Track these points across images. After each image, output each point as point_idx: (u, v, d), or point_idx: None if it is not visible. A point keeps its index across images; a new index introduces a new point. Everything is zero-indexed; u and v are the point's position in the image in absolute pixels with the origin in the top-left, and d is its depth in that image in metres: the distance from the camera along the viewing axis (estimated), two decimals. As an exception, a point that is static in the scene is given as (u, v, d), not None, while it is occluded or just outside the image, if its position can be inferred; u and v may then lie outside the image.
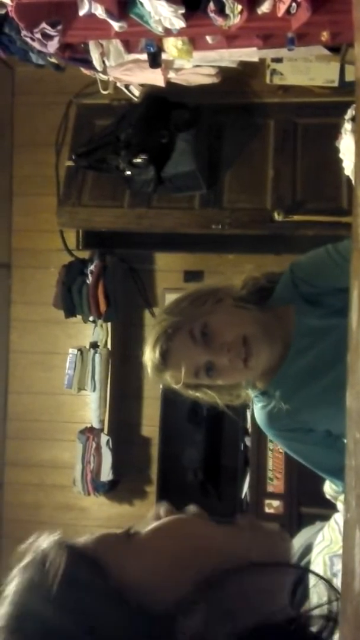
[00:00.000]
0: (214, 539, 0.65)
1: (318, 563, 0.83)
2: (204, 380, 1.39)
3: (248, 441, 3.55)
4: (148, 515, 0.70)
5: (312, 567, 0.85)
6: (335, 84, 3.35)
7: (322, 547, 0.85)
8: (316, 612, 0.59)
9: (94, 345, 3.86)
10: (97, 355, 3.81)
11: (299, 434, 1.47)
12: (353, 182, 0.67)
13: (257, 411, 1.50)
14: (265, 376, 1.46)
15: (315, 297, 1.45)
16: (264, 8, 2.03)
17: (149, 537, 0.65)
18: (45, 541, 0.66)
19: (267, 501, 3.49)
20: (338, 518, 1.01)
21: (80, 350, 3.86)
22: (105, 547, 0.64)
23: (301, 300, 1.46)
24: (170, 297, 3.80)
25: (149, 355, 1.41)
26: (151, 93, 3.46)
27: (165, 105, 3.51)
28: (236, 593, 0.57)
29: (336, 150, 2.91)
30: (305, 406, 1.44)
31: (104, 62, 2.62)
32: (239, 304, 1.42)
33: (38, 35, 2.16)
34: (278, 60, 3.36)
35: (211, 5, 2.01)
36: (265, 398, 1.48)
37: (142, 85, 3.38)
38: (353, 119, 2.63)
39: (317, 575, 0.71)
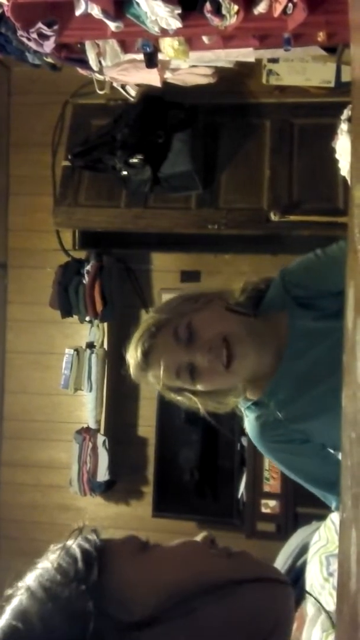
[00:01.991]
0: (213, 571, 0.66)
1: (314, 563, 0.83)
2: (186, 383, 1.33)
3: (244, 441, 3.55)
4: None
5: (309, 567, 0.85)
6: (332, 85, 3.36)
7: (319, 546, 0.85)
8: None
9: (91, 346, 3.85)
10: (93, 356, 3.81)
11: (294, 445, 1.40)
12: (349, 182, 0.67)
13: (250, 422, 1.43)
14: (257, 385, 1.40)
15: (308, 301, 1.41)
16: (260, 8, 2.03)
17: (158, 554, 0.70)
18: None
19: (263, 501, 3.49)
20: (334, 517, 1.01)
21: (76, 350, 3.85)
22: (121, 548, 0.70)
23: (294, 305, 1.41)
24: (166, 297, 3.79)
25: (132, 354, 1.36)
26: (147, 93, 3.46)
27: (162, 106, 3.51)
28: (211, 613, 0.60)
29: (332, 151, 2.91)
30: (303, 414, 1.37)
31: (100, 62, 2.62)
32: (230, 307, 1.36)
33: (34, 35, 2.16)
34: (274, 60, 3.37)
35: (207, 6, 2.01)
36: (258, 408, 1.41)
37: (138, 85, 3.38)
38: (349, 120, 2.64)
39: (308, 593, 0.73)
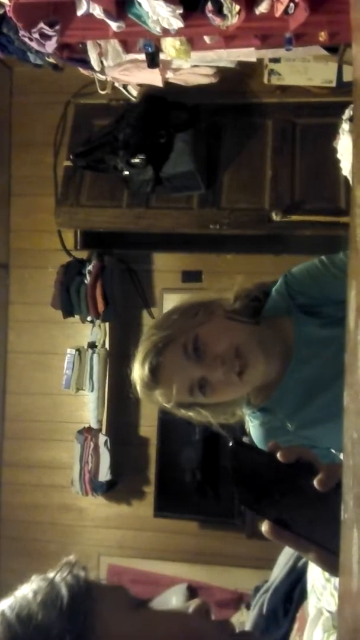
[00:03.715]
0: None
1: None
2: (198, 398, 1.30)
3: (246, 441, 3.55)
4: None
5: (310, 568, 0.85)
6: (333, 84, 3.35)
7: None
8: None
9: (92, 346, 3.86)
10: (95, 356, 3.81)
11: None
12: (351, 182, 0.67)
13: (255, 428, 1.43)
14: (263, 392, 1.39)
15: (313, 308, 1.40)
16: (262, 8, 2.03)
17: (148, 617, 0.65)
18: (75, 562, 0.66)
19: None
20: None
21: (78, 350, 3.86)
22: (110, 597, 0.63)
23: (298, 311, 1.40)
24: (168, 297, 3.80)
25: (138, 372, 1.32)
26: (149, 93, 3.46)
27: (164, 106, 3.51)
28: None
29: (334, 151, 2.91)
30: (310, 420, 1.37)
31: (102, 62, 2.62)
32: (232, 316, 1.35)
33: (36, 35, 2.16)
34: (276, 60, 3.37)
35: (209, 6, 2.01)
36: (263, 414, 1.40)
37: (140, 85, 3.38)
38: (351, 119, 2.63)
39: None
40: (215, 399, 1.32)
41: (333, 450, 1.40)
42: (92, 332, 3.87)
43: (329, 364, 1.33)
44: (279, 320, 1.40)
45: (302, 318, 1.40)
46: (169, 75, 3.12)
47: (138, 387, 1.34)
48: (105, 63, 2.61)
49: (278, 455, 0.66)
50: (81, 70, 2.87)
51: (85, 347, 3.87)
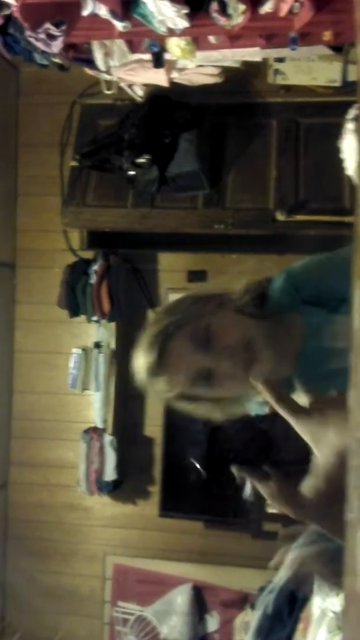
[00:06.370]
0: None
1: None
2: (201, 390, 1.26)
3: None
4: None
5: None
6: (338, 84, 3.35)
7: (325, 547, 0.85)
8: None
9: (98, 345, 3.86)
10: (100, 355, 3.81)
11: None
12: (355, 181, 0.67)
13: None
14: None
15: (318, 299, 1.38)
16: (267, 8, 2.03)
17: None
18: None
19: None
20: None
21: (84, 349, 3.86)
22: None
23: (304, 304, 1.38)
24: (173, 297, 3.79)
25: (143, 358, 1.27)
26: (154, 93, 3.47)
27: (169, 105, 3.51)
28: None
29: (338, 150, 2.90)
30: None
31: (107, 62, 2.63)
32: (242, 309, 1.32)
33: (42, 36, 2.17)
34: (280, 60, 3.36)
35: (214, 5, 2.02)
36: None
37: (145, 85, 3.39)
38: (355, 119, 2.63)
39: None
40: (219, 393, 1.27)
41: None
42: (97, 331, 3.87)
43: (342, 353, 1.30)
44: (287, 315, 1.38)
45: (309, 309, 1.37)
46: (174, 75, 3.13)
47: (141, 374, 1.28)
48: (110, 63, 2.61)
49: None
50: (87, 70, 2.88)
51: (91, 346, 3.88)
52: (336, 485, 0.66)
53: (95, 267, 3.71)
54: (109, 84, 3.33)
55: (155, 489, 3.90)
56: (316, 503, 0.69)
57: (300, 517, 0.72)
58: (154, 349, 1.25)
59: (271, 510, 3.48)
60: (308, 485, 0.69)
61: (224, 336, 1.25)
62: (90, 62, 2.66)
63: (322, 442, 0.68)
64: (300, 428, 0.69)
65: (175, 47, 2.39)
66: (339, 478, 0.66)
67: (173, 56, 2.51)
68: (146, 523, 3.92)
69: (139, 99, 3.52)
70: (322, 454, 0.67)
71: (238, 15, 2.02)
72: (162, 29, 2.12)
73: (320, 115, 3.47)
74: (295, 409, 0.69)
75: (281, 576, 0.96)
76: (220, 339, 1.24)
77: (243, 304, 1.33)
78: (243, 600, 3.72)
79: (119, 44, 2.53)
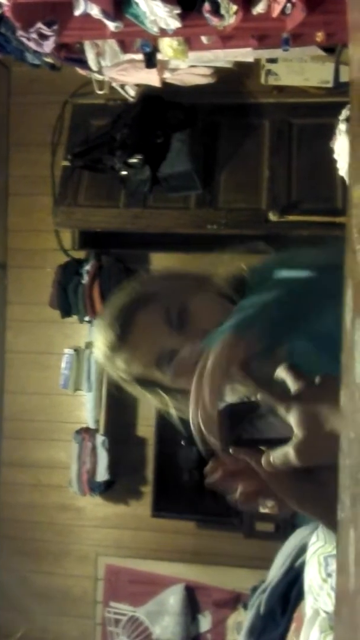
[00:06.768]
0: None
1: (313, 563, 0.84)
2: (160, 375, 1.13)
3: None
4: None
5: (307, 568, 0.85)
6: (330, 85, 3.36)
7: (317, 547, 0.85)
8: None
9: (90, 345, 3.86)
10: (92, 356, 3.81)
11: None
12: (347, 182, 0.67)
13: None
14: None
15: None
16: (259, 8, 2.03)
17: None
18: None
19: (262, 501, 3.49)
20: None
21: (76, 350, 3.85)
22: None
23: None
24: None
25: (105, 329, 1.13)
26: (147, 93, 3.46)
27: (161, 106, 3.51)
28: None
29: (331, 151, 2.91)
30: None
31: (99, 62, 2.62)
32: (228, 294, 1.22)
33: (34, 35, 2.16)
34: (273, 60, 3.37)
35: (206, 6, 2.02)
36: None
37: (137, 85, 3.38)
38: (347, 120, 2.64)
39: None
40: (179, 383, 1.11)
41: None
42: (89, 332, 3.87)
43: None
44: None
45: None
46: (166, 75, 3.13)
47: (99, 348, 1.15)
48: (102, 63, 2.61)
49: None
50: (79, 70, 2.87)
51: (83, 347, 3.87)
52: (314, 466, 0.66)
53: (87, 267, 3.71)
54: (101, 84, 3.32)
55: (147, 489, 3.90)
56: (287, 473, 0.69)
57: (287, 491, 0.73)
58: (118, 320, 1.13)
59: (263, 509, 3.49)
60: (280, 453, 0.69)
61: (202, 319, 1.12)
62: (82, 62, 2.66)
63: (309, 422, 0.67)
64: (287, 413, 0.68)
65: (167, 48, 2.39)
66: (319, 460, 0.66)
67: (165, 56, 2.51)
68: (138, 523, 3.92)
69: (131, 99, 3.51)
70: (307, 431, 0.66)
71: (230, 16, 2.02)
72: (154, 29, 2.12)
73: (313, 116, 3.48)
74: (280, 396, 0.69)
75: (273, 575, 0.96)
76: (197, 321, 1.12)
77: (226, 289, 1.22)
78: (235, 600, 3.72)
79: (111, 44, 2.52)
